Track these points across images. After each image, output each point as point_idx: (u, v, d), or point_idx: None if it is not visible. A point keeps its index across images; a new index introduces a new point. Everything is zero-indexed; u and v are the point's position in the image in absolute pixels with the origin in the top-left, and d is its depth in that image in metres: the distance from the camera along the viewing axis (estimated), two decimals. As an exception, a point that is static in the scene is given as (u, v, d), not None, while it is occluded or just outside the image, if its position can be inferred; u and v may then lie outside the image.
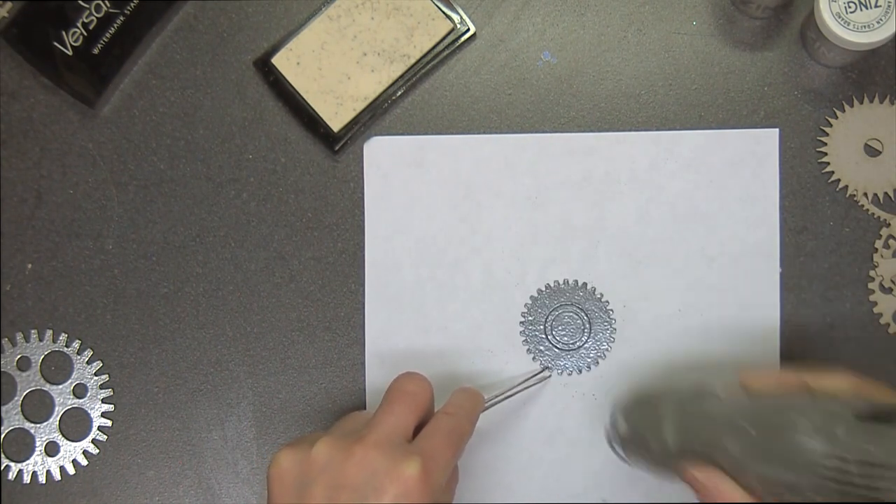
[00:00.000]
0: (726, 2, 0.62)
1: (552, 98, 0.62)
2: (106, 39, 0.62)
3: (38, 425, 0.62)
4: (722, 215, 0.61)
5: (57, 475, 0.61)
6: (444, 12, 0.62)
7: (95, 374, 0.62)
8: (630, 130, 0.62)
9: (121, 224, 0.63)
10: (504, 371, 0.61)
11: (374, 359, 0.62)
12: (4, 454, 0.62)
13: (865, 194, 0.61)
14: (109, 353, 0.62)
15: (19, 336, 0.62)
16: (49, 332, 0.62)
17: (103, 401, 0.62)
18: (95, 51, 0.62)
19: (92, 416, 0.62)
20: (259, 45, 0.63)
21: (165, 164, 0.63)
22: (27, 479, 0.61)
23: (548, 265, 0.62)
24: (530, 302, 0.61)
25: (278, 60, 0.62)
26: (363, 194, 0.62)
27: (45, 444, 0.62)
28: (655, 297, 0.61)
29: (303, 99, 0.62)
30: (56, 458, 0.62)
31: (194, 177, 0.63)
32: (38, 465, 0.61)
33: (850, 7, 0.56)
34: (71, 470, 0.61)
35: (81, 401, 0.62)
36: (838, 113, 0.61)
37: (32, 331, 0.62)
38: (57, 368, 0.62)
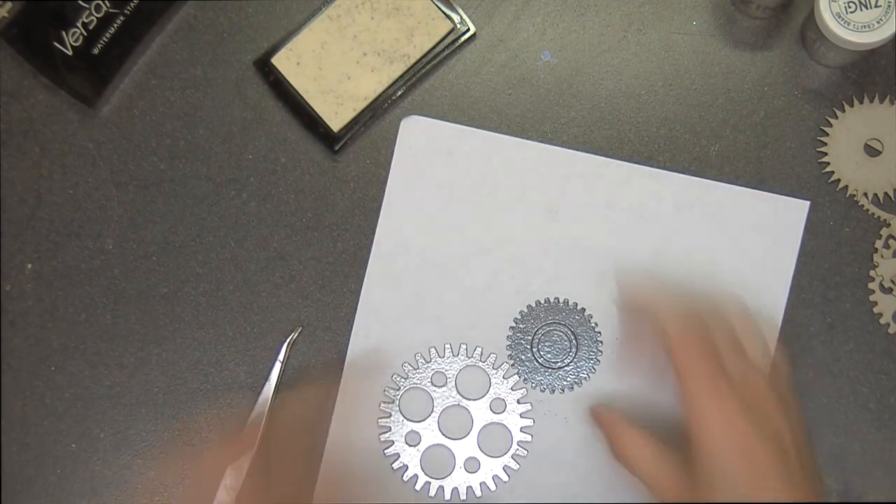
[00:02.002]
0: (726, 2, 0.62)
1: (552, 98, 0.62)
2: (106, 39, 0.62)
3: (457, 441, 0.61)
4: (734, 274, 0.61)
5: (478, 492, 0.60)
6: (444, 12, 0.62)
7: (512, 389, 0.61)
8: (647, 160, 0.62)
9: (121, 224, 0.63)
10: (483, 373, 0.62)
11: (361, 330, 0.62)
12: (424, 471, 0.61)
13: (865, 194, 0.61)
14: (109, 352, 0.62)
15: (433, 351, 0.61)
16: (464, 347, 0.61)
17: (521, 416, 0.61)
18: (95, 51, 0.62)
19: (511, 431, 0.61)
20: (259, 45, 0.63)
21: (165, 164, 0.63)
22: (448, 495, 0.61)
23: (551, 281, 0.61)
24: (525, 311, 0.61)
25: (278, 60, 0.62)
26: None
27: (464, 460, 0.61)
28: (649, 337, 0.61)
29: (303, 99, 0.62)
30: (476, 474, 0.61)
31: (194, 177, 0.63)
32: (458, 482, 0.60)
33: (850, 7, 0.56)
34: (492, 486, 0.60)
35: (500, 416, 0.61)
36: (838, 113, 0.61)
37: (447, 345, 0.61)
38: (473, 382, 0.61)
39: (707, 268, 0.61)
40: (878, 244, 0.61)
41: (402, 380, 0.61)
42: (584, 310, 0.61)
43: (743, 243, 0.61)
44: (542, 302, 0.61)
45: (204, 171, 0.63)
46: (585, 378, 0.61)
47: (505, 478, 0.60)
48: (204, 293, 0.63)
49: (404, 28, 0.62)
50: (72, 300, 0.63)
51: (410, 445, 0.61)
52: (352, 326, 0.62)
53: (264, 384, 0.61)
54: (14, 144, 0.63)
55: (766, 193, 0.61)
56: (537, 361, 0.61)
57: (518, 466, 0.61)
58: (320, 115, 0.62)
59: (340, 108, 0.62)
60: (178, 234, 0.63)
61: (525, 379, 0.61)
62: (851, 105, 0.62)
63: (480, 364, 0.61)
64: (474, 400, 0.61)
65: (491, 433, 0.61)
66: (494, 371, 0.61)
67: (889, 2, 0.56)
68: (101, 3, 0.61)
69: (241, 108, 0.63)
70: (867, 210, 0.61)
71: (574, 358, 0.61)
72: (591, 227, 0.62)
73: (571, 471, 0.61)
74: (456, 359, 0.61)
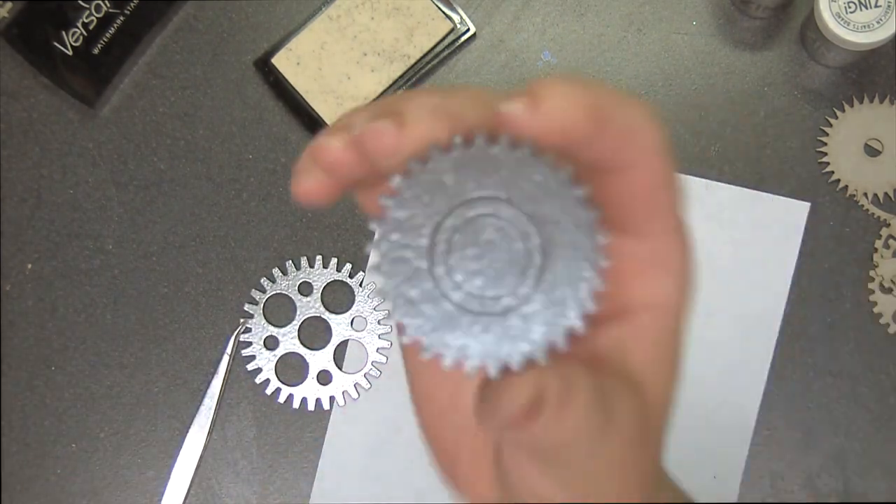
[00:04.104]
0: (726, 2, 0.62)
1: (552, 98, 0.62)
2: (106, 39, 0.62)
3: (314, 353, 0.62)
4: (735, 274, 0.61)
5: (326, 405, 0.62)
6: (444, 12, 0.62)
7: (375, 309, 0.62)
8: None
9: (121, 224, 0.63)
10: None
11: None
12: (278, 377, 0.62)
13: (865, 194, 0.61)
14: (109, 352, 0.62)
15: (304, 260, 0.62)
16: (333, 261, 0.62)
17: (380, 337, 0.62)
18: (95, 51, 0.62)
19: (368, 350, 0.62)
20: (259, 45, 0.63)
21: (165, 164, 0.63)
22: (297, 404, 0.62)
23: None
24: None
25: (278, 60, 0.62)
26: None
27: (317, 372, 0.62)
28: None
29: (303, 99, 0.62)
30: (327, 387, 0.62)
31: (194, 177, 0.63)
32: (308, 392, 0.62)
33: (850, 7, 0.56)
34: (341, 402, 0.61)
35: (359, 334, 0.62)
36: (838, 113, 0.61)
37: (318, 257, 0.62)
38: (337, 297, 0.63)
39: (706, 267, 0.61)
40: (878, 244, 0.61)
41: (270, 283, 0.62)
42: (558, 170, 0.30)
43: (743, 244, 0.61)
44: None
45: (204, 171, 0.63)
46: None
47: (354, 395, 0.61)
48: (204, 293, 0.63)
49: (404, 28, 0.62)
50: (72, 300, 0.63)
51: (268, 349, 0.62)
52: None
53: (212, 378, 0.62)
54: (14, 144, 0.63)
55: (766, 194, 0.61)
56: (450, 301, 0.24)
57: (369, 386, 0.61)
58: (320, 115, 0.62)
59: (340, 108, 0.62)
60: (178, 234, 0.63)
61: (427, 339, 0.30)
62: (851, 105, 0.62)
63: (348, 280, 0.62)
64: (336, 314, 0.62)
65: (348, 349, 0.62)
66: (360, 289, 0.61)
67: (889, 2, 0.56)
68: (101, 3, 0.61)
69: (241, 108, 0.63)
70: (867, 210, 0.61)
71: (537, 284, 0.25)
72: None
73: None
74: (325, 271, 0.61)
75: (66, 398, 0.62)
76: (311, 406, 0.61)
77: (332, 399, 0.61)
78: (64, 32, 0.61)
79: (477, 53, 0.63)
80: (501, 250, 0.23)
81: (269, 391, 0.61)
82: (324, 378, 0.62)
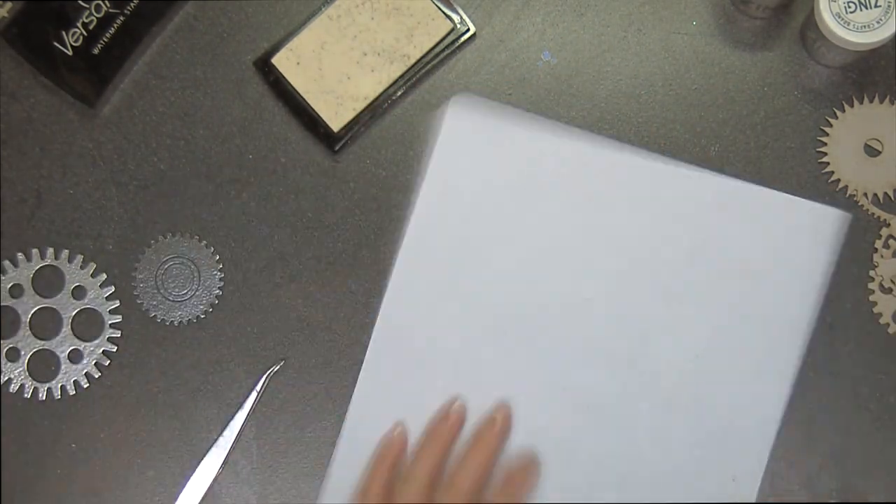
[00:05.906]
0: (726, 2, 0.62)
1: (552, 98, 0.62)
2: (106, 39, 0.62)
3: (51, 341, 0.62)
4: (764, 276, 0.60)
5: (84, 382, 0.62)
6: (444, 12, 0.62)
7: (91, 276, 0.62)
8: (669, 150, 0.62)
9: (121, 224, 0.63)
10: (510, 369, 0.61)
11: (391, 307, 0.62)
12: (32, 376, 0.62)
13: (865, 194, 0.61)
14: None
15: (7, 263, 0.62)
16: (35, 252, 0.62)
17: (107, 298, 0.62)
18: (95, 51, 0.62)
19: (103, 315, 0.62)
20: (259, 45, 0.63)
21: (165, 164, 0.63)
22: (58, 394, 0.62)
23: (584, 275, 0.61)
24: (143, 254, 0.64)
25: (278, 60, 0.62)
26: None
27: (66, 353, 0.62)
28: (675, 336, 0.60)
29: (303, 99, 0.62)
30: (80, 364, 0.62)
31: (194, 177, 0.63)
32: (67, 378, 0.62)
33: (850, 7, 0.56)
34: (95, 374, 0.62)
35: (84, 302, 0.62)
36: (838, 113, 0.61)
37: (19, 254, 0.62)
38: (49, 282, 0.62)
39: (737, 270, 0.60)
40: (878, 244, 0.61)
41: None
42: (199, 238, 0.61)
43: (775, 247, 0.60)
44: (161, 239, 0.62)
45: (204, 171, 0.63)
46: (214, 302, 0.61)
47: (106, 362, 0.61)
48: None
49: (404, 28, 0.62)
50: (72, 300, 0.63)
51: (11, 361, 0.61)
52: (352, 327, 0.62)
53: (237, 411, 0.62)
54: (14, 144, 0.63)
55: (805, 200, 0.61)
56: (167, 298, 0.62)
57: (115, 348, 0.61)
58: (320, 115, 0.62)
59: (340, 108, 0.62)
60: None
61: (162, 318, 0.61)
62: (851, 105, 0.62)
63: (55, 262, 0.61)
64: (55, 297, 0.62)
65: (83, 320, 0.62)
66: (69, 265, 0.61)
67: (889, 2, 0.56)
68: (101, 3, 0.61)
69: (241, 108, 0.63)
70: (867, 210, 0.61)
71: (198, 287, 0.61)
72: (628, 219, 0.61)
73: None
74: (29, 264, 0.62)
75: (66, 398, 0.62)
76: (71, 390, 0.62)
77: (87, 375, 0.62)
78: (64, 32, 0.61)
79: (477, 53, 0.63)
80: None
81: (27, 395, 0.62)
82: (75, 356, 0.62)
